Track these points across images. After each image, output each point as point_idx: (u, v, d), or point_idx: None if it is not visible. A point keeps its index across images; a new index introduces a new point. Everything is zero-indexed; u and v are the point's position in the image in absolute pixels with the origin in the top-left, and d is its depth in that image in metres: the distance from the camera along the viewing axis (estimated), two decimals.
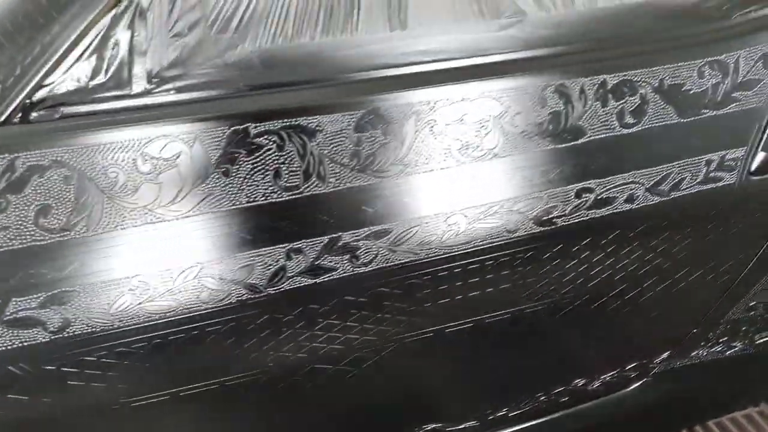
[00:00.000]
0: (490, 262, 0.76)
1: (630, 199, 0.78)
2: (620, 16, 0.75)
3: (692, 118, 0.78)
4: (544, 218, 0.76)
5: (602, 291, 0.88)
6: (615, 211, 0.78)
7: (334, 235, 0.68)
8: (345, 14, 0.65)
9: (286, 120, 0.62)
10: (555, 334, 0.93)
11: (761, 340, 1.07)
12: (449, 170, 0.70)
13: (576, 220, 0.78)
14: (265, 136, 0.62)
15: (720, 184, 0.82)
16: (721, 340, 1.08)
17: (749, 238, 0.90)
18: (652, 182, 0.79)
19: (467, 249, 0.74)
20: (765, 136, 0.82)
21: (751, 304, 1.01)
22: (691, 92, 0.77)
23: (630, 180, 0.78)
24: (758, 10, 0.78)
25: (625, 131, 0.75)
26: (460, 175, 0.70)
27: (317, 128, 0.63)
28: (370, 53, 0.67)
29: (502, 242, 0.75)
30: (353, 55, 0.66)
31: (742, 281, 0.96)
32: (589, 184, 0.76)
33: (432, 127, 0.68)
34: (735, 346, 1.10)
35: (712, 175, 0.81)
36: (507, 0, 0.69)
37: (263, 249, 0.66)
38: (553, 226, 0.76)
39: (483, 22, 0.70)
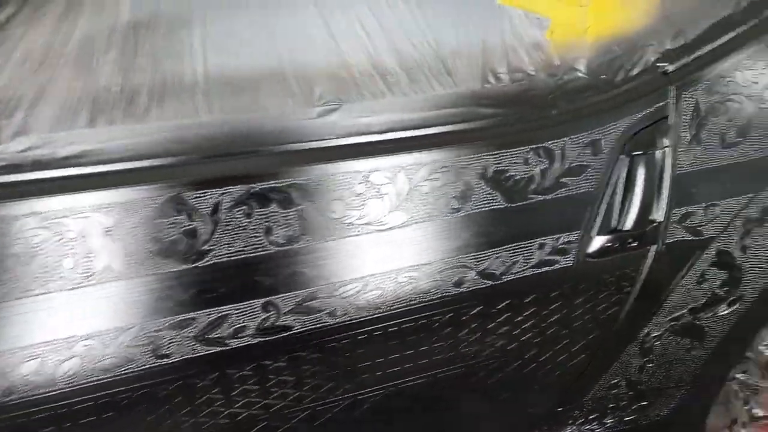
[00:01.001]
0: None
1: (458, 283, 0.78)
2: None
3: (520, 203, 0.79)
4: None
5: (467, 367, 0.87)
6: (443, 295, 0.78)
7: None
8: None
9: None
10: (428, 412, 0.91)
11: (629, 418, 1.06)
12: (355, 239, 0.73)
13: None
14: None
15: (556, 267, 0.83)
16: (591, 418, 1.07)
17: (598, 317, 0.90)
18: (482, 266, 0.79)
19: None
20: (599, 220, 0.84)
21: (612, 382, 1.01)
22: (517, 178, 0.78)
23: (458, 264, 0.78)
24: (584, 99, 0.81)
25: (450, 216, 0.76)
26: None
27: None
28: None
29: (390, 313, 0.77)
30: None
31: (598, 359, 0.96)
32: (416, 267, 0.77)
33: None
34: (607, 423, 1.09)
35: (546, 258, 0.82)
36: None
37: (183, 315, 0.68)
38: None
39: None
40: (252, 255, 0.69)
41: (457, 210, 0.76)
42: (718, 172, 0.88)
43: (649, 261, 0.88)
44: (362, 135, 0.73)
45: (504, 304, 0.83)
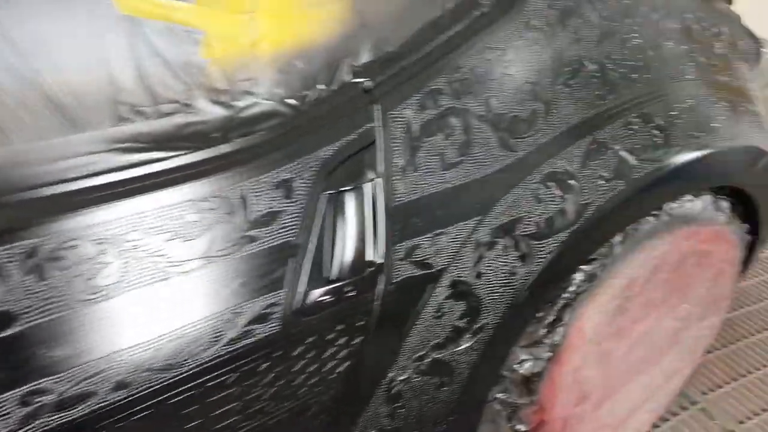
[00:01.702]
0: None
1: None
2: None
3: (192, 270, 0.62)
4: None
5: None
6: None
7: None
8: None
9: None
10: None
11: None
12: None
13: None
14: None
15: (259, 336, 0.68)
16: None
17: (328, 376, 0.78)
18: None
19: None
20: (306, 273, 0.70)
21: None
22: (185, 240, 0.61)
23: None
24: (266, 130, 0.66)
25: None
26: None
27: None
28: None
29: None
30: None
31: (343, 416, 0.84)
32: None
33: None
34: None
35: (244, 330, 0.66)
36: None
37: None
38: None
39: None
40: None
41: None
42: (442, 196, 0.78)
43: (377, 306, 0.77)
44: None
45: (210, 385, 0.67)
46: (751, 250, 1.27)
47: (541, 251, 0.85)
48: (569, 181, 0.85)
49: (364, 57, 0.71)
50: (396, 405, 0.87)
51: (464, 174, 0.79)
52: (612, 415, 1.23)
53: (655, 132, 0.91)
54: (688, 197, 1.02)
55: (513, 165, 0.82)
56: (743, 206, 1.17)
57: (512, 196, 0.83)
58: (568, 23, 0.88)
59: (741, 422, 1.57)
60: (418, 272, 0.79)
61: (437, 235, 0.79)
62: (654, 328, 1.13)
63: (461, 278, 0.82)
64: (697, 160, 0.95)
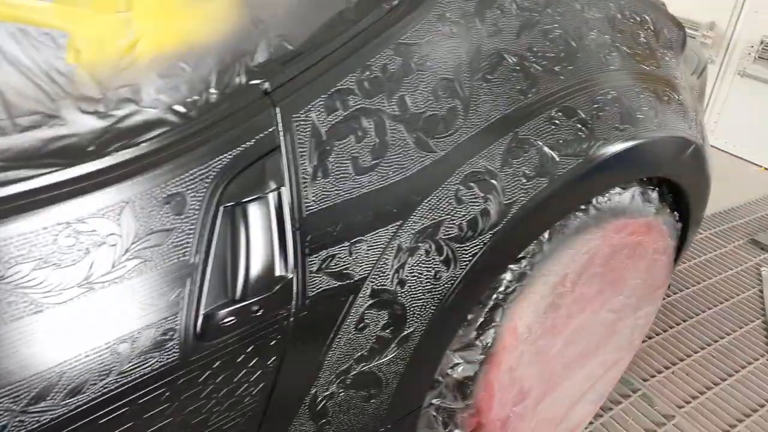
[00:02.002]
0: None
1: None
2: None
3: (67, 300, 0.56)
4: None
5: None
6: None
7: None
8: None
9: None
10: None
11: None
12: None
13: None
14: None
15: (156, 366, 0.62)
16: None
17: (241, 401, 0.73)
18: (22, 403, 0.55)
19: None
20: (206, 293, 0.65)
21: None
22: (50, 267, 0.55)
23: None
24: (151, 141, 0.60)
25: None
26: None
27: None
28: None
29: None
30: None
31: None
32: None
33: None
34: None
35: (141, 359, 0.61)
36: None
37: None
38: None
39: None
40: None
41: None
42: (358, 202, 0.74)
43: (291, 323, 0.73)
44: None
45: (103, 422, 0.61)
46: (682, 237, 1.28)
47: (466, 254, 0.82)
48: (491, 181, 0.82)
49: (261, 56, 0.66)
50: (323, 422, 0.83)
51: (381, 178, 0.75)
52: (553, 409, 1.23)
53: (579, 126, 0.89)
54: (617, 190, 1.00)
55: (432, 166, 0.79)
56: (672, 195, 1.17)
57: (433, 199, 0.79)
58: (486, 15, 0.85)
59: (680, 407, 1.60)
60: (336, 284, 0.74)
61: (355, 243, 0.75)
62: (590, 322, 1.13)
63: (383, 287, 0.78)
64: (624, 153, 0.93)
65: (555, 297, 0.99)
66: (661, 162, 1.03)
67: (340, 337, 0.78)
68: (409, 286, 0.80)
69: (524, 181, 0.84)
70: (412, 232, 0.78)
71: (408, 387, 0.89)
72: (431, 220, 0.79)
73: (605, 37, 0.98)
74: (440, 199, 0.79)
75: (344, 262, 0.74)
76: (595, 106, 0.91)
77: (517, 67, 0.86)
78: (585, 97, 0.91)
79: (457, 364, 0.94)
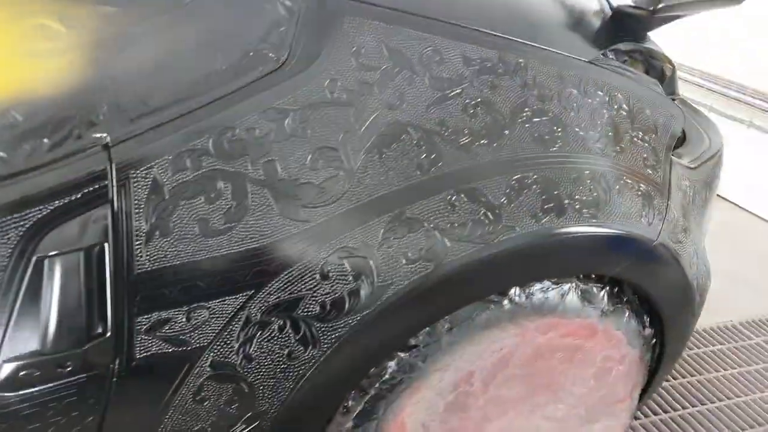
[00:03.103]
0: None
1: None
2: None
3: None
4: None
5: None
6: None
7: None
8: None
9: None
10: None
11: None
12: None
13: None
14: None
15: None
16: None
17: None
18: None
19: None
20: (6, 342, 0.64)
21: None
22: None
23: None
24: None
25: None
26: None
27: None
28: None
29: None
30: None
31: None
32: None
33: None
34: None
35: None
36: None
37: None
38: None
39: None
40: None
41: None
42: (202, 266, 0.71)
43: (114, 383, 0.70)
44: None
45: None
46: (659, 348, 1.11)
47: (328, 336, 0.75)
48: (365, 259, 0.76)
49: (109, 111, 0.66)
50: None
51: (234, 242, 0.71)
52: None
53: (483, 210, 0.80)
54: (542, 285, 0.90)
55: (299, 236, 0.74)
56: (639, 299, 1.03)
57: (295, 271, 0.74)
58: (389, 86, 0.80)
59: None
60: (170, 349, 0.71)
61: (194, 309, 0.71)
62: (519, 428, 1.00)
63: (226, 360, 0.73)
64: (540, 245, 0.83)
65: (459, 396, 0.89)
66: (598, 260, 0.91)
67: (176, 405, 0.73)
68: (258, 362, 0.74)
69: (404, 263, 0.77)
70: (266, 304, 0.73)
71: None
72: (289, 294, 0.74)
73: (547, 115, 0.90)
74: (303, 272, 0.74)
75: (180, 327, 0.70)
76: (511, 190, 0.83)
77: (420, 142, 0.80)
78: (500, 178, 0.83)
79: None
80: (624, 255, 0.92)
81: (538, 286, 0.88)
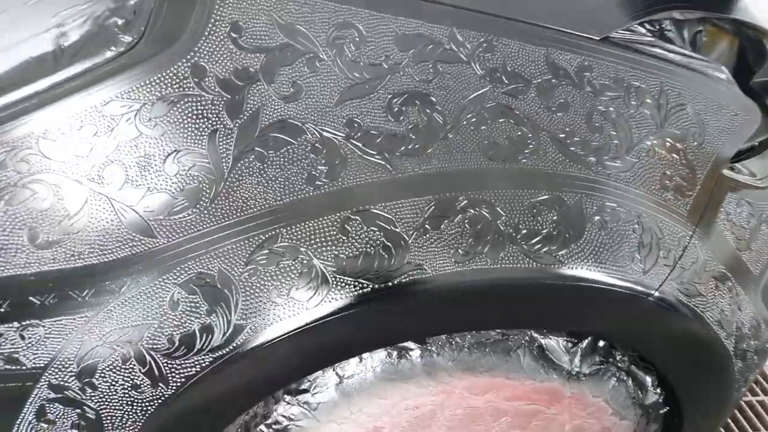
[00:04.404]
0: None
1: None
2: None
3: None
4: None
5: None
6: None
7: None
8: None
9: None
10: None
11: None
12: None
13: None
14: None
15: None
16: None
17: None
18: None
19: None
20: None
21: None
22: None
23: None
24: None
25: None
26: None
27: None
28: None
29: None
30: None
31: None
32: None
33: None
34: None
35: None
36: None
37: None
38: None
39: None
40: None
41: None
42: (35, 279, 0.60)
43: None
44: None
45: None
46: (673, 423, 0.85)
47: (178, 373, 0.64)
48: (223, 290, 0.62)
49: None
50: None
51: (69, 257, 0.62)
52: None
53: (383, 240, 0.62)
54: (468, 337, 0.70)
55: (146, 256, 0.62)
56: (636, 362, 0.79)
57: (141, 297, 0.63)
58: (280, 73, 0.62)
59: None
60: (5, 367, 0.64)
61: (27, 327, 0.63)
62: None
63: (66, 385, 0.65)
64: (464, 289, 0.63)
65: None
66: (555, 312, 0.69)
67: (20, 424, 0.68)
68: (102, 391, 0.65)
69: (272, 298, 0.62)
70: (107, 329, 0.64)
71: None
72: (134, 322, 0.63)
73: (512, 119, 0.67)
74: (149, 298, 0.63)
75: (14, 345, 0.63)
76: (427, 217, 0.63)
77: (318, 146, 0.64)
78: (418, 200, 0.64)
79: None
80: (598, 308, 0.69)
81: (458, 340, 0.69)
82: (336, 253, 0.62)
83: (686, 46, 0.80)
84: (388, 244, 0.63)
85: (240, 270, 0.62)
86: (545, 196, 0.66)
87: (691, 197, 0.74)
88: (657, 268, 0.69)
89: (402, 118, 0.65)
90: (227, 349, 0.63)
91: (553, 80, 0.70)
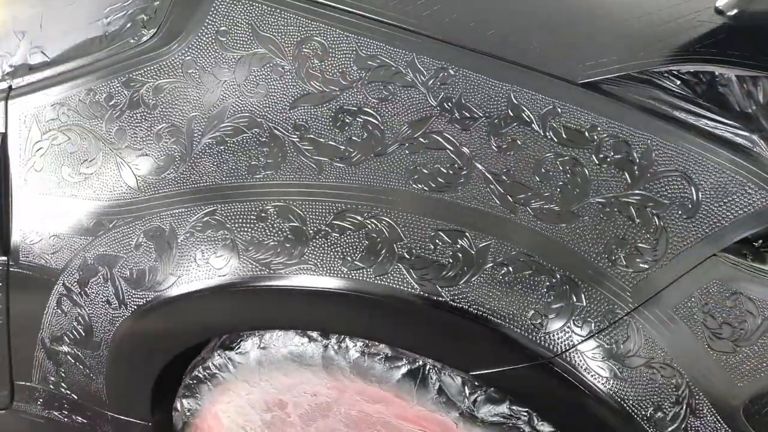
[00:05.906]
0: None
1: None
2: None
3: None
4: None
5: None
6: None
7: None
8: None
9: None
10: None
11: None
12: None
13: None
14: None
15: None
16: None
17: None
18: None
19: None
20: None
21: None
22: None
23: None
24: None
25: None
26: None
27: None
28: None
29: None
30: None
31: None
32: None
33: None
34: None
35: None
36: None
37: None
38: None
39: None
40: None
41: None
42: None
43: None
44: None
45: None
46: None
47: (133, 300, 0.78)
48: (168, 244, 0.74)
49: (18, 60, 0.81)
50: None
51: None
52: None
53: (288, 233, 0.68)
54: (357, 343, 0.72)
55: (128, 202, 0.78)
56: None
57: (116, 236, 0.79)
58: (252, 74, 0.73)
59: None
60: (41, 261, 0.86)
61: (56, 236, 0.83)
62: None
63: (72, 287, 0.84)
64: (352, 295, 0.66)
65: (276, 420, 0.80)
66: (438, 346, 0.65)
67: (48, 306, 0.88)
68: (91, 299, 0.83)
69: (196, 260, 0.72)
70: (98, 252, 0.80)
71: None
72: (114, 251, 0.79)
73: (451, 149, 0.66)
74: (125, 236, 0.78)
75: (43, 249, 0.84)
76: (332, 221, 0.67)
77: (266, 140, 0.71)
78: (332, 205, 0.67)
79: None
80: (484, 352, 0.65)
81: (351, 344, 0.71)
82: (251, 236, 0.71)
83: (700, 102, 0.69)
84: (292, 237, 0.69)
85: (183, 230, 0.75)
86: (452, 228, 0.66)
87: (645, 272, 0.65)
88: (562, 333, 0.64)
89: (346, 129, 0.71)
90: (161, 290, 0.76)
91: (510, 121, 0.67)
